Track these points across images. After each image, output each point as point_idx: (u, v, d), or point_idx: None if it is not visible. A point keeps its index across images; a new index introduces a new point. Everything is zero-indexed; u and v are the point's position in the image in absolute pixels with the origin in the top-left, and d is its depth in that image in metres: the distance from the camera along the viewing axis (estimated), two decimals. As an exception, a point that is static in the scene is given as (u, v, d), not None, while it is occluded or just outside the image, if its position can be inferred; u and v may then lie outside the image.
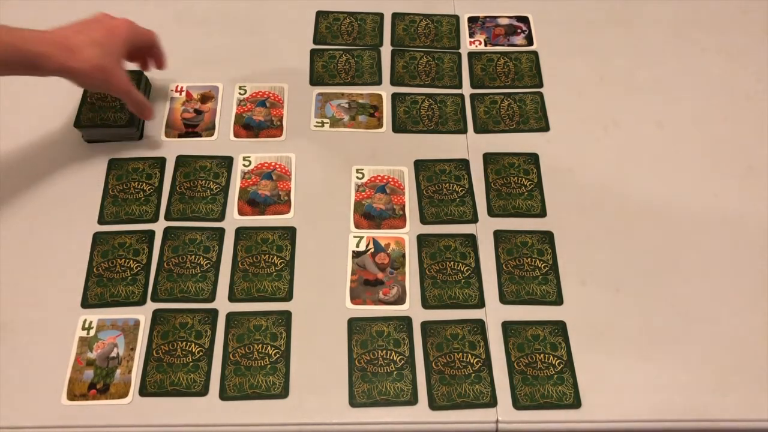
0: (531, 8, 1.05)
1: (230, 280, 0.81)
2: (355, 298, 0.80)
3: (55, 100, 0.92)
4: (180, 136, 0.91)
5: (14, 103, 0.93)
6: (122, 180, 0.87)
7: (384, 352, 0.76)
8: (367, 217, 0.85)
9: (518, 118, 0.94)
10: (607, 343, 0.77)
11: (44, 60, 0.74)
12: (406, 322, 0.78)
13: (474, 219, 0.86)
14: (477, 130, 0.93)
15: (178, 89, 0.94)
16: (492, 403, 0.74)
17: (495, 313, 0.79)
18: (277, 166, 0.89)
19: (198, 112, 0.92)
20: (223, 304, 0.79)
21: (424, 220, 0.85)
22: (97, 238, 0.83)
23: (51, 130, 0.91)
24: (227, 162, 0.89)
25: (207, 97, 0.93)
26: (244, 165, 0.89)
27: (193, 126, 0.92)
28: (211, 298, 0.79)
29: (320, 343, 0.77)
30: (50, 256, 0.82)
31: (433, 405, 0.73)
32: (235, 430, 0.72)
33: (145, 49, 0.88)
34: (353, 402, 0.73)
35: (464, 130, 0.93)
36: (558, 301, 0.80)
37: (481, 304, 0.80)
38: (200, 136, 0.91)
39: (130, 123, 0.89)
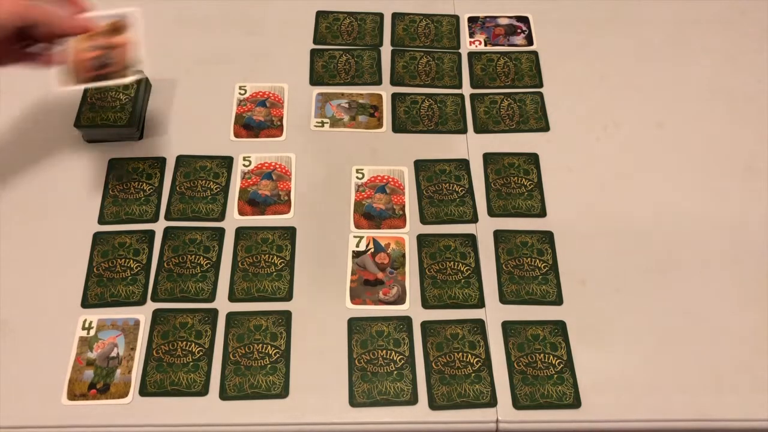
0: (531, 8, 1.05)
1: (230, 280, 0.81)
2: (355, 298, 0.80)
3: (55, 100, 0.92)
4: (90, 80, 0.75)
5: (14, 103, 0.93)
6: (122, 180, 0.87)
7: (384, 351, 0.76)
8: (367, 217, 0.85)
9: (518, 118, 0.94)
10: (607, 343, 0.77)
11: None
12: (406, 322, 0.78)
13: (474, 219, 0.86)
14: (477, 130, 0.93)
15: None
16: (492, 403, 0.74)
17: (495, 313, 0.79)
18: (277, 166, 0.89)
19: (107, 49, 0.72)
20: (223, 304, 0.79)
21: (424, 220, 0.85)
22: (97, 238, 0.83)
23: (51, 130, 0.91)
24: (227, 162, 0.89)
25: (118, 28, 0.73)
26: (244, 165, 0.89)
27: (102, 66, 0.73)
28: (211, 298, 0.79)
29: (320, 343, 0.77)
30: (50, 256, 0.82)
31: (433, 405, 0.73)
32: (235, 430, 0.72)
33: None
34: (353, 402, 0.73)
35: (464, 130, 0.93)
36: (558, 301, 0.80)
37: (481, 304, 0.80)
38: (109, 78, 0.75)
39: (130, 123, 0.89)
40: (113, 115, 0.90)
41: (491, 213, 0.86)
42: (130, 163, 0.88)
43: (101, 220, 0.84)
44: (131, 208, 0.85)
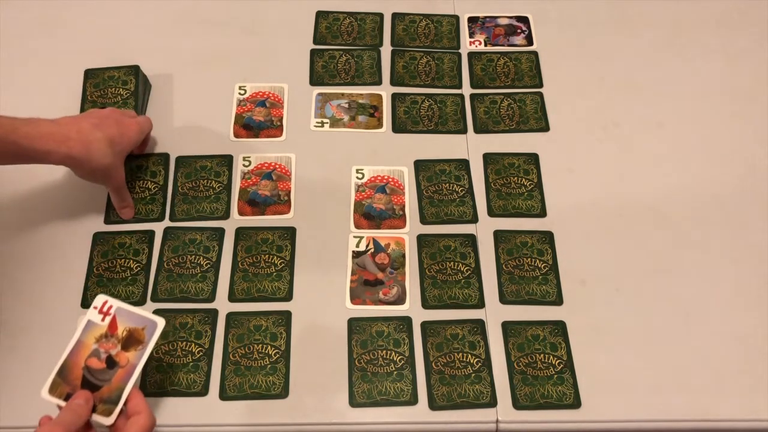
0: (531, 8, 1.05)
1: (230, 280, 0.81)
2: (355, 298, 0.80)
3: (56, 101, 0.92)
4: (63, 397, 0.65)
5: (14, 103, 0.93)
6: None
7: (384, 352, 0.76)
8: (367, 217, 0.85)
9: (518, 118, 0.94)
10: (607, 343, 0.77)
11: (47, 157, 0.74)
12: (406, 322, 0.78)
13: (474, 219, 0.86)
14: (477, 130, 0.93)
15: (104, 309, 0.68)
16: (492, 403, 0.74)
17: (495, 313, 0.79)
18: (277, 166, 0.89)
19: (111, 363, 0.66)
20: (223, 304, 0.79)
21: (424, 220, 0.85)
22: (97, 238, 0.83)
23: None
24: (227, 160, 0.89)
25: (133, 338, 0.67)
26: (244, 165, 0.89)
27: (89, 384, 0.65)
28: (211, 298, 0.79)
29: (320, 343, 0.77)
30: (50, 256, 0.82)
31: (433, 405, 0.73)
32: (235, 430, 0.72)
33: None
34: (353, 402, 0.73)
35: (464, 130, 0.93)
36: (558, 301, 0.80)
37: (481, 304, 0.80)
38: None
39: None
40: None
41: (491, 213, 0.86)
42: (132, 161, 0.88)
43: (107, 220, 0.84)
44: (137, 207, 0.85)
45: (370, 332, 0.77)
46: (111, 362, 0.66)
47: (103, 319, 0.67)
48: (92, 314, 0.68)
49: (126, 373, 0.65)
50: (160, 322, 0.68)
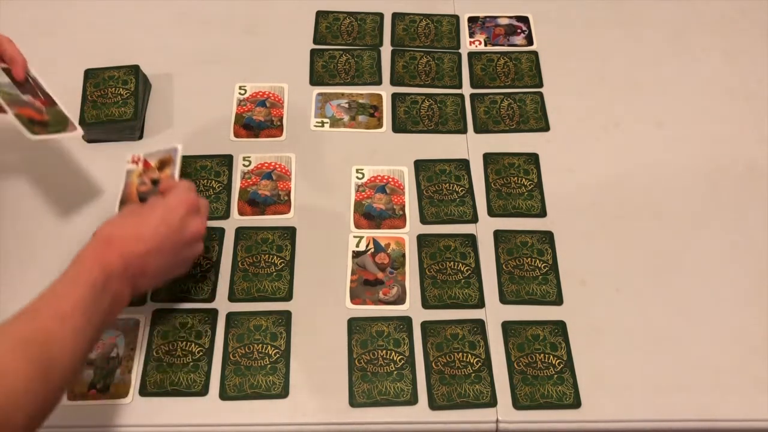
0: (531, 8, 1.05)
1: (230, 280, 0.81)
2: (355, 298, 0.80)
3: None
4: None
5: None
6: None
7: (384, 352, 0.76)
8: (367, 217, 0.85)
9: (518, 118, 0.94)
10: (607, 343, 0.77)
11: None
12: (406, 322, 0.78)
13: (474, 219, 0.86)
14: (477, 130, 0.93)
15: (135, 159, 0.82)
16: (492, 403, 0.74)
17: (495, 313, 0.79)
18: (277, 166, 0.89)
19: (155, 182, 0.80)
20: (223, 304, 0.79)
21: (424, 220, 0.85)
22: (97, 238, 0.83)
23: (51, 130, 0.91)
24: (227, 160, 0.89)
25: (164, 162, 0.80)
26: (244, 165, 0.89)
27: (144, 199, 0.78)
28: (211, 298, 0.79)
29: (320, 343, 0.77)
30: (50, 256, 0.82)
31: (433, 405, 0.73)
32: (235, 430, 0.72)
33: None
34: (353, 402, 0.73)
35: (464, 130, 0.93)
36: (558, 301, 0.80)
37: (481, 304, 0.80)
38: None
39: (136, 116, 0.89)
40: (117, 110, 0.90)
41: (491, 213, 0.86)
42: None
43: None
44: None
45: (370, 332, 0.77)
46: (155, 182, 0.79)
47: (137, 165, 0.81)
48: (128, 166, 0.81)
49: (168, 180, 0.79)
50: (179, 146, 0.80)
